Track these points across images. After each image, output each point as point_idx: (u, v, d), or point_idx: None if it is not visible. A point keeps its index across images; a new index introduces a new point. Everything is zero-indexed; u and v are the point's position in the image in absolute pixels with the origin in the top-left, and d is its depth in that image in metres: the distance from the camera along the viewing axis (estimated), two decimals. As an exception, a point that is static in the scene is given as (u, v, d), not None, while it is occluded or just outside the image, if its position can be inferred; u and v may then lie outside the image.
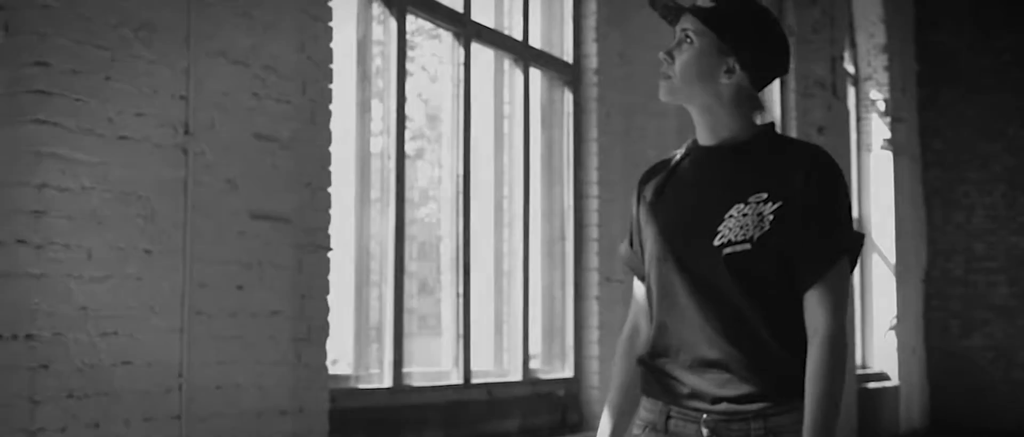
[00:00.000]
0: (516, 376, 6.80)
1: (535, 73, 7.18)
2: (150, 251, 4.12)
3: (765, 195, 2.56)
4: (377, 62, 5.95)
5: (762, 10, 2.69)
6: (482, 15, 6.73)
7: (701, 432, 2.60)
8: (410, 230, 6.41)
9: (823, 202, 2.55)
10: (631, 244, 2.83)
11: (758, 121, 2.70)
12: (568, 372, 7.23)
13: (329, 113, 5.04)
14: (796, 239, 2.54)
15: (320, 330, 4.93)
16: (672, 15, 2.68)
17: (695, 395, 2.60)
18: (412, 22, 6.23)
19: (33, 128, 3.74)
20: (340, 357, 5.57)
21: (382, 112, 5.94)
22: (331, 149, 5.06)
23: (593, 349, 7.27)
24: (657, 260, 2.66)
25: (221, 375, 4.37)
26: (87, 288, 3.90)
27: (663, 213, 2.69)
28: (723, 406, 2.56)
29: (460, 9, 6.45)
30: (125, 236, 4.04)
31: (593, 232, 7.34)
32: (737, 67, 2.61)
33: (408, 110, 6.15)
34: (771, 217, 2.54)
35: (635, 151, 7.58)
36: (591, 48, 7.43)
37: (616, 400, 2.80)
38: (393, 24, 5.93)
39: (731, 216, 2.57)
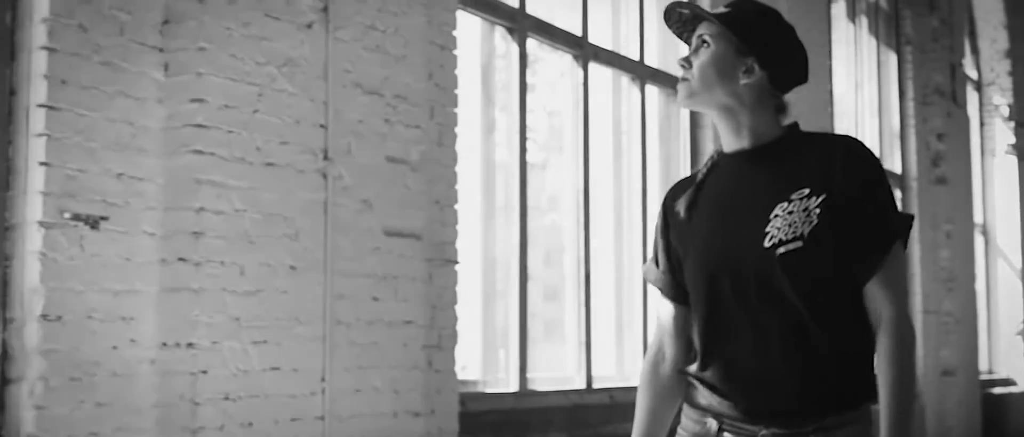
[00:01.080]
0: (636, 381, 7.11)
1: (651, 89, 7.51)
2: (295, 267, 4.54)
3: (807, 190, 2.51)
4: (500, 84, 6.33)
5: (777, 14, 2.67)
6: (599, 37, 7.08)
7: None
8: (537, 237, 6.77)
9: (867, 190, 2.51)
10: (656, 263, 2.76)
11: (778, 118, 2.65)
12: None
13: (455, 135, 5.44)
14: (847, 232, 2.49)
15: (449, 338, 5.33)
16: (687, 28, 2.67)
17: (750, 412, 2.53)
18: (533, 46, 6.60)
19: (191, 158, 4.18)
20: (469, 363, 5.97)
21: (505, 130, 6.32)
22: (457, 168, 5.45)
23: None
24: (704, 274, 2.59)
25: (359, 379, 4.77)
26: (240, 301, 4.33)
27: (702, 227, 2.64)
28: (778, 424, 2.49)
29: (578, 33, 6.81)
30: (273, 254, 4.46)
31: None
32: (756, 67, 2.57)
33: (530, 127, 6.52)
34: (817, 210, 2.48)
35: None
36: (706, 64, 7.72)
37: (644, 426, 2.75)
38: (515, 48, 6.31)
39: (777, 215, 2.51)
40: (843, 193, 2.48)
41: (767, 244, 2.49)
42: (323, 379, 4.62)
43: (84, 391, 3.95)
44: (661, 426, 2.76)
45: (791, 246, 2.47)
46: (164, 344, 4.18)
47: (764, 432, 2.51)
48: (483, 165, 6.13)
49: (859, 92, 10.75)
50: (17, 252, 3.90)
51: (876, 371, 2.48)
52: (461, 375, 5.52)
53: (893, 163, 11.00)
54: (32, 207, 3.88)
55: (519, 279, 6.22)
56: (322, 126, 4.67)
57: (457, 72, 5.52)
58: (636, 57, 7.36)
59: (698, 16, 2.63)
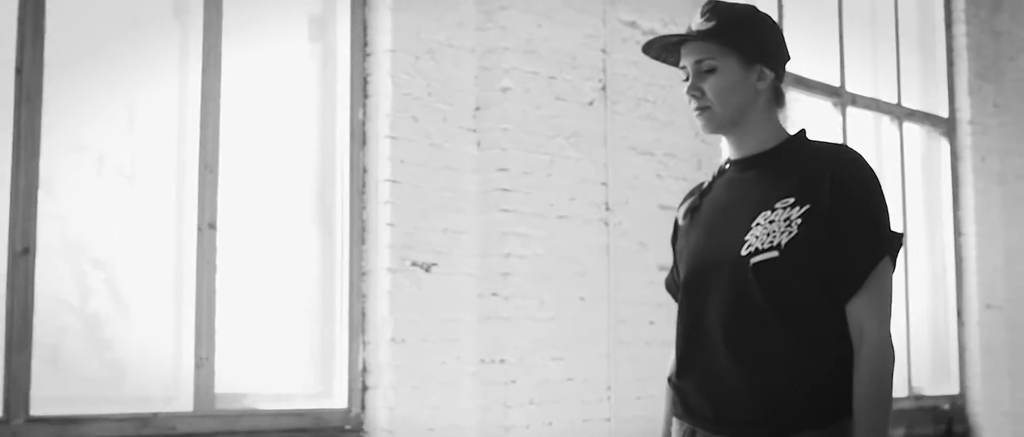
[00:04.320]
0: (901, 392, 7.88)
1: (911, 128, 8.23)
2: (584, 298, 5.61)
3: (792, 200, 2.42)
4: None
5: (754, 8, 2.60)
6: (856, 86, 7.86)
7: None
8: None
9: (855, 203, 2.40)
10: (673, 272, 2.74)
11: (781, 119, 2.60)
12: (953, 389, 8.22)
13: (720, 183, 6.39)
14: (830, 244, 2.38)
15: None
16: (671, 52, 2.58)
17: (718, 421, 2.49)
18: (791, 96, 7.46)
19: (500, 215, 5.31)
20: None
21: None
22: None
23: (976, 369, 8.19)
24: (686, 279, 2.55)
25: (639, 388, 5.79)
26: (541, 326, 5.43)
27: (693, 233, 2.59)
28: (745, 435, 2.46)
29: (836, 83, 7.64)
30: (566, 288, 5.54)
31: (972, 265, 8.27)
32: (766, 71, 2.52)
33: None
34: (799, 221, 2.39)
35: (1011, 190, 8.46)
36: (964, 101, 8.40)
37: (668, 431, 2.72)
38: (776, 102, 7.20)
39: (758, 224, 2.43)
40: (829, 205, 2.39)
41: (743, 252, 2.43)
42: (609, 388, 5.66)
43: (422, 396, 5.11)
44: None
45: (766, 255, 2.39)
46: (482, 360, 5.29)
47: None
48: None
49: None
50: (371, 291, 5.09)
51: (854, 390, 2.37)
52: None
53: None
54: (382, 257, 5.06)
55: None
56: (603, 184, 5.73)
57: (721, 128, 6.46)
58: (894, 99, 8.09)
59: (686, 40, 2.54)
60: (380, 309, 5.03)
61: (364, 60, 5.15)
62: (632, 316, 5.78)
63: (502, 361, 5.24)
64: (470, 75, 5.34)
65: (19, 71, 4.18)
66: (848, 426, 2.41)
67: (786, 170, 2.49)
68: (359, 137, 5.13)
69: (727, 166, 2.64)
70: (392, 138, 5.07)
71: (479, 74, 5.36)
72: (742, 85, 2.50)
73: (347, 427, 4.97)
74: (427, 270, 5.13)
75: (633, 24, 5.88)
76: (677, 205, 2.76)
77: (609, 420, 5.64)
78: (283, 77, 5.13)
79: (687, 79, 2.57)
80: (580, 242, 5.58)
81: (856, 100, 7.77)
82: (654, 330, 5.87)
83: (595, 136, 5.69)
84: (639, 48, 3.10)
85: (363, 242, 5.10)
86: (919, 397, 7.96)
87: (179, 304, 4.63)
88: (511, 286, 5.28)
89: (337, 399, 5.02)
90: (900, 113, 8.10)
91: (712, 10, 2.52)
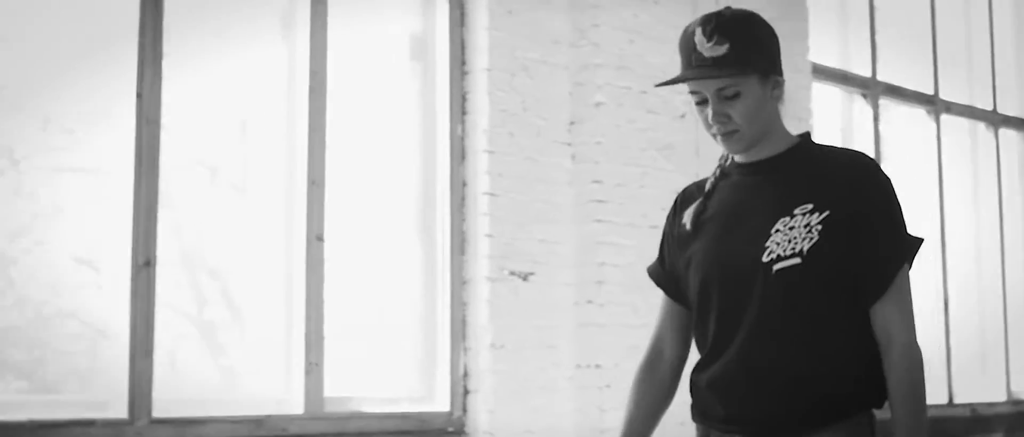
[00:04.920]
0: (999, 397, 7.92)
1: (1007, 134, 8.24)
2: (677, 304, 5.77)
3: (811, 206, 2.44)
4: (857, 145, 7.32)
5: (753, 14, 2.58)
6: (951, 93, 7.89)
7: None
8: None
9: (876, 209, 2.43)
10: (661, 263, 2.79)
11: (782, 117, 2.60)
12: (1052, 394, 8.23)
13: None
14: (852, 250, 2.41)
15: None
16: (700, 84, 2.51)
17: (732, 420, 2.53)
18: (885, 107, 7.54)
19: (594, 226, 5.49)
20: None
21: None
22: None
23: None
24: (705, 285, 2.56)
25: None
26: (634, 332, 5.57)
27: (706, 237, 2.59)
28: (766, 431, 2.49)
29: (930, 91, 7.69)
30: (657, 295, 5.69)
31: (1070, 269, 8.29)
32: (780, 79, 2.54)
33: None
34: (819, 227, 2.41)
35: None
36: (1061, 106, 8.42)
37: (634, 422, 2.75)
38: (869, 110, 7.30)
39: (777, 230, 2.44)
40: (850, 209, 2.42)
41: (765, 259, 2.44)
42: (702, 392, 5.81)
43: (521, 400, 5.30)
44: (649, 424, 2.77)
45: (789, 262, 2.42)
46: (578, 365, 5.49)
47: None
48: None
49: None
50: (471, 299, 5.29)
51: (889, 395, 2.42)
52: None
53: None
54: (481, 266, 5.26)
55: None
56: (695, 193, 5.89)
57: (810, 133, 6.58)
58: (990, 106, 8.12)
59: (702, 76, 2.50)
60: (480, 316, 5.25)
61: (462, 78, 5.37)
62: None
63: (597, 366, 5.43)
64: (564, 91, 5.54)
65: (140, 95, 4.47)
66: (864, 420, 2.49)
67: (801, 175, 2.51)
68: (458, 152, 5.36)
69: (727, 167, 2.65)
70: (490, 152, 5.29)
71: (573, 90, 5.55)
72: (766, 102, 2.51)
73: (449, 429, 5.19)
74: (525, 279, 5.33)
75: (723, 38, 6.03)
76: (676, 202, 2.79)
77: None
78: (385, 94, 5.38)
79: (702, 102, 2.53)
80: (673, 251, 5.72)
81: (950, 107, 7.82)
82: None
83: (686, 148, 5.85)
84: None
85: (463, 252, 5.32)
86: (1016, 402, 7.99)
87: (289, 312, 4.88)
88: (605, 294, 5.46)
89: (440, 402, 5.25)
90: (996, 120, 8.14)
91: (718, 30, 2.48)
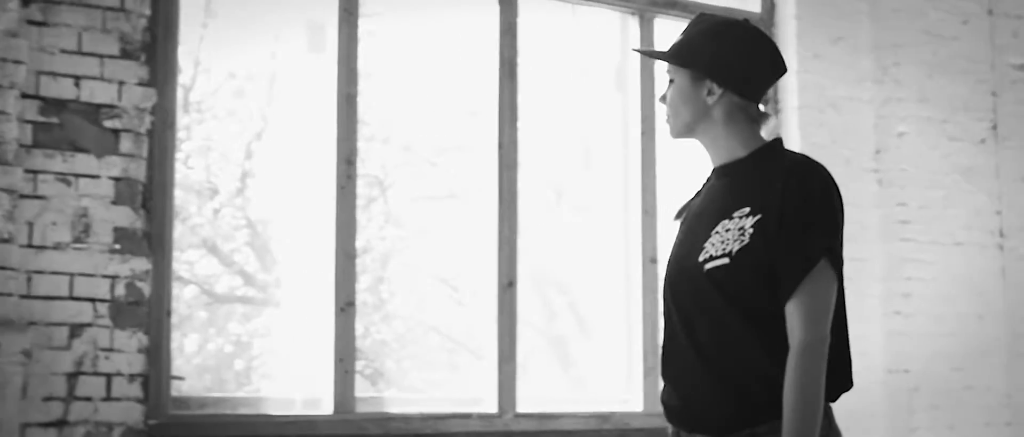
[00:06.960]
0: None
1: None
2: (982, 316, 6.17)
3: (747, 209, 2.50)
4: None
5: (736, 26, 2.65)
6: None
7: None
8: None
9: (795, 209, 2.45)
10: None
11: (763, 134, 2.65)
12: None
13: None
14: (773, 249, 2.45)
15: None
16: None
17: (685, 421, 2.58)
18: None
19: (900, 244, 6.01)
20: None
21: None
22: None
23: None
24: (665, 285, 2.65)
25: (1038, 397, 6.35)
26: (940, 340, 6.05)
27: (676, 238, 2.70)
28: (713, 427, 2.52)
29: None
30: (963, 307, 6.15)
31: None
32: (716, 87, 2.59)
33: None
34: (751, 230, 2.46)
35: None
36: None
37: None
38: None
39: (716, 232, 2.51)
40: (778, 210, 2.45)
41: (701, 259, 2.52)
42: (1008, 395, 6.26)
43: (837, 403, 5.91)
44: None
45: (718, 262, 2.47)
46: (888, 370, 6.05)
47: None
48: None
49: None
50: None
51: (783, 397, 2.41)
52: None
53: None
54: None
55: None
56: (998, 212, 6.35)
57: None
58: None
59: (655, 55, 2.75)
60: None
61: (776, 114, 6.04)
62: (1029, 331, 6.34)
63: (906, 371, 5.99)
64: (869, 123, 6.12)
65: (501, 146, 5.38)
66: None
67: (750, 180, 2.56)
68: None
69: (710, 174, 2.73)
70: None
71: (877, 122, 6.13)
72: (692, 97, 2.61)
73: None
74: (836, 293, 5.93)
75: (1022, 67, 6.47)
76: None
77: (1010, 424, 6.23)
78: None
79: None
80: (975, 266, 6.22)
81: None
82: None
83: (987, 170, 6.31)
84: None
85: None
86: None
87: (628, 326, 5.67)
88: (912, 306, 6.02)
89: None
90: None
91: (691, 23, 2.68)
